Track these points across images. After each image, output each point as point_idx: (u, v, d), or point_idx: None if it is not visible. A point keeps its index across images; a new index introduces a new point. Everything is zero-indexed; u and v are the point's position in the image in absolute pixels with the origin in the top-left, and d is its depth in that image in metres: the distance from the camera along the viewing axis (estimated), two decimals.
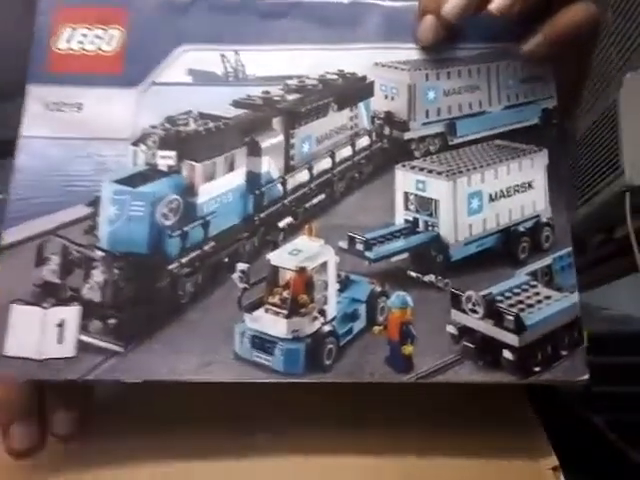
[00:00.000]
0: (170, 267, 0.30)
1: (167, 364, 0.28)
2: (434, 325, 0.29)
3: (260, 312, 0.30)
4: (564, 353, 0.29)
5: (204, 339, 0.29)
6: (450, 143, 0.34)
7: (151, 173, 0.32)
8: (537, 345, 0.29)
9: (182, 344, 0.29)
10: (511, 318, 0.29)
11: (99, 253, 0.30)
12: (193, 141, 0.32)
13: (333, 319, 0.30)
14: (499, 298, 0.30)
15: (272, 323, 0.29)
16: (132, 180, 0.31)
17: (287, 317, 0.29)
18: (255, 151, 0.33)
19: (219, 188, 0.32)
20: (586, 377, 0.29)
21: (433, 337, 0.29)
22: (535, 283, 0.31)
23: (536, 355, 0.29)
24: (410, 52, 0.33)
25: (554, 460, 0.29)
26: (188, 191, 0.31)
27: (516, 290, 0.31)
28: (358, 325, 0.30)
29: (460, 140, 0.34)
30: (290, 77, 0.33)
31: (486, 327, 0.30)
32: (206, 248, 0.31)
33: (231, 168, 0.32)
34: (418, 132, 0.34)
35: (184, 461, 0.29)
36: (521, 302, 0.30)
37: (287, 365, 0.29)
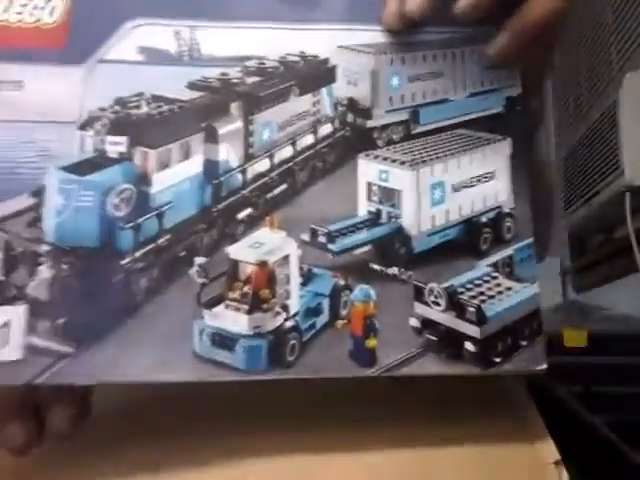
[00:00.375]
0: (123, 262, 0.29)
1: (122, 365, 0.27)
2: (397, 318, 0.29)
3: (220, 308, 0.29)
4: (523, 343, 0.30)
5: (161, 337, 0.28)
6: (413, 132, 0.33)
7: (100, 160, 0.30)
8: (498, 336, 0.30)
9: (138, 343, 0.27)
10: (473, 310, 0.30)
11: (45, 247, 0.28)
12: (146, 126, 0.30)
13: (296, 314, 0.29)
14: (460, 290, 0.30)
15: (233, 319, 0.29)
16: (80, 168, 0.29)
17: (248, 313, 0.29)
18: (212, 138, 0.31)
19: (174, 177, 0.30)
20: (544, 367, 0.29)
21: (396, 330, 0.29)
22: (496, 274, 0.31)
23: (497, 346, 0.29)
24: (374, 34, 0.32)
25: (555, 453, 0.29)
26: (141, 180, 0.30)
27: (477, 282, 0.31)
28: (321, 320, 0.29)
29: (423, 128, 0.34)
30: (249, 58, 0.32)
31: (448, 319, 0.30)
32: (161, 241, 0.30)
33: (187, 155, 0.31)
34: (381, 120, 0.33)
35: (176, 463, 0.28)
36: (482, 293, 0.30)
37: (249, 362, 0.28)
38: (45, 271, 0.28)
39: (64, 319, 0.27)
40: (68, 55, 0.30)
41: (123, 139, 0.30)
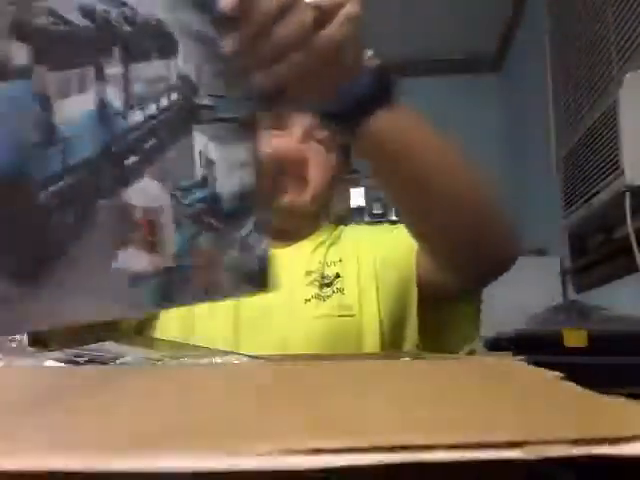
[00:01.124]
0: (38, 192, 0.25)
1: (59, 309, 0.25)
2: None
3: (124, 250, 0.30)
4: None
5: (86, 279, 0.27)
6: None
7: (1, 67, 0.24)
8: None
9: (69, 285, 0.26)
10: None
11: None
12: (49, 41, 0.27)
13: (175, 255, 0.34)
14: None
15: (136, 260, 0.31)
16: None
17: (148, 253, 0.31)
18: (101, 76, 0.30)
19: (73, 109, 0.28)
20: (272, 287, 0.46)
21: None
22: None
23: None
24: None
25: None
26: (43, 104, 0.26)
27: None
28: (190, 260, 0.35)
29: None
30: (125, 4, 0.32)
31: None
32: (68, 179, 0.27)
33: (83, 89, 0.29)
34: (205, 100, 0.40)
35: None
36: None
37: (147, 299, 0.31)
38: None
39: None
40: None
41: (27, 48, 0.25)
